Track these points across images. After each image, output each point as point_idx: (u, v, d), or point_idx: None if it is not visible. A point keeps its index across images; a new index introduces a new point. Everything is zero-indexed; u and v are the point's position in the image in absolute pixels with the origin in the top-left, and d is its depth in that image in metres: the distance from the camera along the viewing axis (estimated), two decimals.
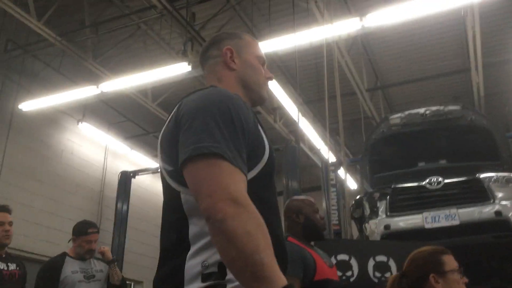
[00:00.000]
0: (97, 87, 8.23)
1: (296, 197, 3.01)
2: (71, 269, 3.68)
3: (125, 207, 9.77)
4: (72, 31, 8.06)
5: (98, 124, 10.40)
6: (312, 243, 2.83)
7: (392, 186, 5.83)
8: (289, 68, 9.86)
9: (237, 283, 1.12)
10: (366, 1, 8.02)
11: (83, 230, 3.83)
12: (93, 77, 8.45)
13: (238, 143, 1.19)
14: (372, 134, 6.93)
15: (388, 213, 5.62)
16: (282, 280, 1.04)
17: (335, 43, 7.00)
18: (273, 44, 6.84)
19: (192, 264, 1.17)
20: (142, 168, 11.11)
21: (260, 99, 1.54)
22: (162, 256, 1.28)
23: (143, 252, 10.73)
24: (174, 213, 1.26)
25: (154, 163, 11.71)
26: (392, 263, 4.28)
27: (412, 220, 5.47)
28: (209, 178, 1.12)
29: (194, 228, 1.22)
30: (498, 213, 5.10)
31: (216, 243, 1.09)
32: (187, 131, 1.20)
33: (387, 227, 5.49)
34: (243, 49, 1.54)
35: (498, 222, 5.07)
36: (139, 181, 11.01)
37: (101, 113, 10.48)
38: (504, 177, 5.44)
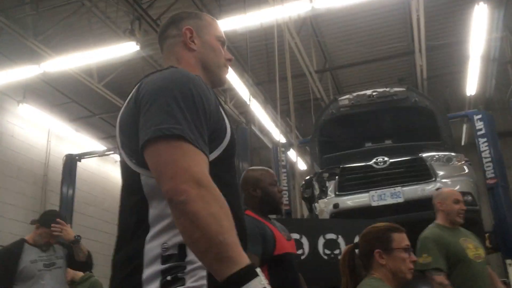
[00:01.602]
0: (39, 67, 7.86)
1: (253, 168, 2.91)
2: (29, 258, 3.49)
3: (70, 192, 9.48)
4: (11, 8, 7.61)
5: (40, 105, 9.96)
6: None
7: (341, 166, 5.96)
8: (239, 50, 9.80)
9: (197, 264, 1.13)
10: None
11: (48, 223, 3.58)
12: (34, 56, 8.04)
13: (200, 124, 1.19)
14: (321, 115, 7.03)
15: (337, 192, 5.75)
16: (245, 259, 1.05)
17: (285, 24, 7.00)
18: (223, 25, 6.76)
19: (152, 246, 1.17)
20: (88, 151, 10.80)
21: (220, 81, 1.53)
22: (120, 239, 1.27)
23: (91, 237, 10.48)
24: (134, 196, 1.25)
25: (100, 146, 11.40)
26: (341, 240, 4.41)
27: (359, 199, 5.64)
28: (171, 160, 1.11)
29: (154, 210, 1.20)
30: (439, 190, 5.34)
31: (179, 225, 1.08)
32: (147, 112, 1.18)
33: (336, 206, 5.63)
34: (203, 29, 1.52)
35: None
36: (85, 165, 10.70)
37: (43, 94, 10.03)
38: (445, 156, 5.69)
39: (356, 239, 3.84)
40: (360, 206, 5.58)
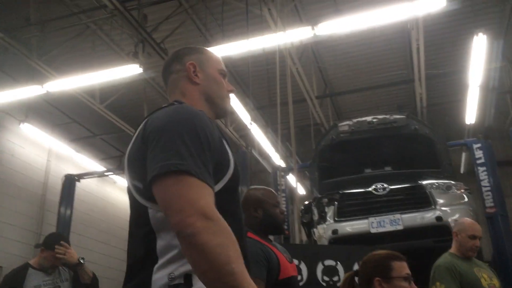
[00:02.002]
0: (42, 87, 7.92)
1: (255, 187, 2.83)
2: (33, 283, 3.43)
3: (68, 212, 9.45)
4: (17, 28, 7.72)
5: (42, 125, 9.99)
6: (271, 237, 2.74)
7: (340, 192, 5.96)
8: (241, 74, 9.91)
9: None
10: (316, 10, 8.21)
11: (52, 245, 3.52)
12: (37, 76, 8.12)
13: (205, 158, 1.23)
14: (321, 140, 7.07)
15: (336, 218, 5.74)
16: (253, 287, 1.10)
17: (287, 50, 7.10)
18: (226, 49, 6.85)
19: (159, 277, 1.20)
20: (87, 171, 10.79)
21: (223, 112, 1.60)
22: (129, 270, 1.31)
23: (88, 259, 10.39)
24: (142, 228, 1.29)
25: (100, 167, 11.39)
26: (340, 267, 4.38)
27: (358, 225, 5.62)
28: (178, 194, 1.15)
29: (161, 242, 1.25)
30: (438, 218, 5.33)
31: (188, 257, 1.13)
32: (154, 149, 1.23)
33: (335, 231, 5.61)
34: (205, 63, 1.59)
35: (438, 227, 5.30)
36: (84, 185, 10.68)
37: (45, 113, 10.08)
38: (444, 184, 5.70)
39: (356, 266, 3.83)
40: (359, 232, 5.56)
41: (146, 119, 1.37)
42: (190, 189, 1.16)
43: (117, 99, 9.43)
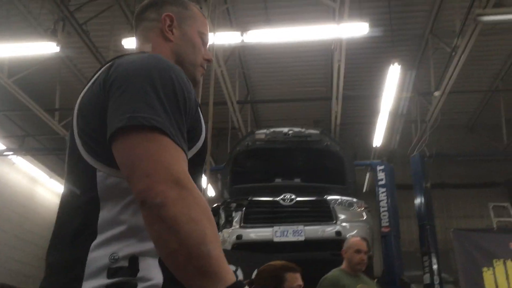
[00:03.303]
0: None
1: None
2: None
3: None
4: None
5: None
6: None
7: (249, 198, 6.05)
8: None
9: (150, 283, 0.98)
10: (248, 17, 8.29)
11: None
12: None
13: (180, 119, 1.03)
14: (237, 145, 7.14)
15: (242, 224, 5.81)
16: (232, 276, 0.91)
17: (214, 51, 7.08)
18: None
19: (97, 256, 0.99)
20: None
21: (192, 81, 1.30)
22: (57, 239, 1.09)
23: None
24: (83, 195, 1.07)
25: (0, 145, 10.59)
26: (239, 273, 4.43)
27: (262, 233, 5.74)
28: (147, 155, 0.95)
29: (106, 214, 1.03)
30: (338, 233, 5.59)
31: (152, 232, 0.92)
32: (120, 98, 1.01)
33: (239, 237, 5.67)
34: (186, 20, 1.34)
35: (337, 241, 5.52)
36: None
37: None
38: (347, 201, 5.98)
39: (255, 273, 3.87)
40: (263, 240, 5.67)
41: (109, 63, 1.13)
42: (164, 151, 0.95)
43: (28, 76, 8.82)
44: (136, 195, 0.94)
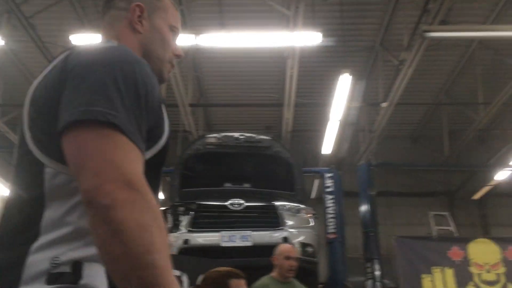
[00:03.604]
0: None
1: None
2: None
3: None
4: None
5: None
6: None
7: (197, 202, 5.99)
8: None
9: None
10: (202, 20, 8.24)
11: None
12: None
13: (139, 116, 0.95)
14: (188, 149, 7.07)
15: (189, 228, 5.74)
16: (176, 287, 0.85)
17: None
18: None
19: (37, 259, 0.91)
20: None
21: (159, 78, 1.22)
22: None
23: None
24: (28, 190, 0.99)
25: None
26: (185, 278, 4.37)
27: (210, 238, 5.70)
28: (98, 152, 0.87)
29: (51, 213, 0.95)
30: (285, 239, 5.63)
31: (97, 236, 0.85)
32: (76, 89, 0.93)
33: (186, 241, 5.60)
34: (157, 12, 1.25)
35: None
36: None
37: None
38: (295, 207, 6.05)
39: (200, 279, 3.83)
40: (210, 245, 5.63)
41: (68, 51, 1.04)
42: (117, 149, 0.88)
43: None
44: (83, 194, 0.86)
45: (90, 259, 0.93)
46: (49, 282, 0.89)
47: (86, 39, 6.61)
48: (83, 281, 0.91)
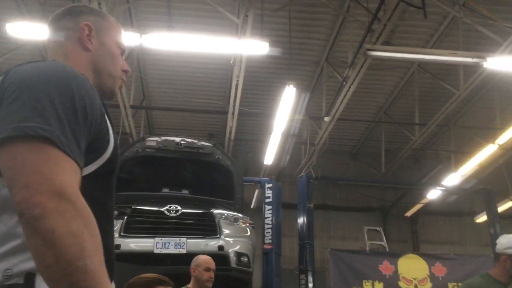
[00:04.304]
0: None
1: None
2: None
3: None
4: None
5: None
6: None
7: (132, 207, 5.79)
8: None
9: None
10: (149, 20, 8.08)
11: None
12: None
13: (77, 129, 0.99)
14: (126, 151, 6.83)
15: (121, 233, 5.52)
16: None
17: None
18: (43, 31, 6.20)
19: None
20: None
21: (110, 93, 1.34)
22: None
23: None
24: None
25: None
26: (112, 285, 4.17)
27: (143, 244, 5.51)
28: (28, 165, 0.91)
29: (1, 226, 0.99)
30: (220, 247, 5.55)
31: (31, 246, 0.88)
32: (10, 106, 0.97)
33: (117, 247, 5.37)
34: (104, 31, 1.34)
35: (219, 256, 5.48)
36: None
37: None
38: (233, 216, 5.98)
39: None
40: (143, 251, 5.45)
41: (8, 70, 1.08)
42: (48, 161, 0.91)
43: None
44: (16, 207, 0.90)
45: None
46: None
47: (24, 28, 6.26)
48: None
